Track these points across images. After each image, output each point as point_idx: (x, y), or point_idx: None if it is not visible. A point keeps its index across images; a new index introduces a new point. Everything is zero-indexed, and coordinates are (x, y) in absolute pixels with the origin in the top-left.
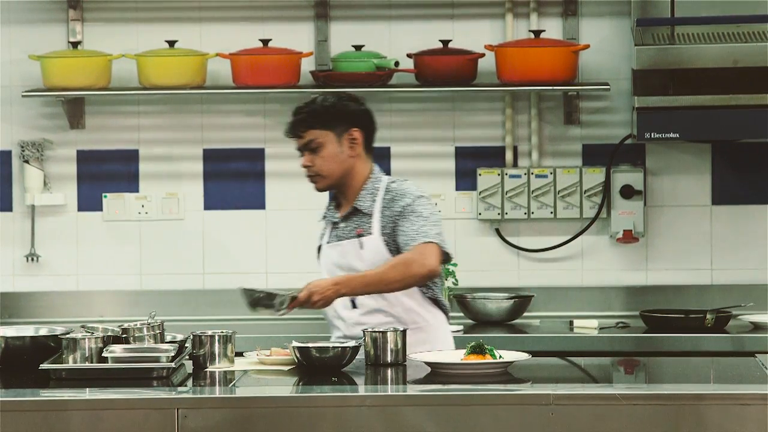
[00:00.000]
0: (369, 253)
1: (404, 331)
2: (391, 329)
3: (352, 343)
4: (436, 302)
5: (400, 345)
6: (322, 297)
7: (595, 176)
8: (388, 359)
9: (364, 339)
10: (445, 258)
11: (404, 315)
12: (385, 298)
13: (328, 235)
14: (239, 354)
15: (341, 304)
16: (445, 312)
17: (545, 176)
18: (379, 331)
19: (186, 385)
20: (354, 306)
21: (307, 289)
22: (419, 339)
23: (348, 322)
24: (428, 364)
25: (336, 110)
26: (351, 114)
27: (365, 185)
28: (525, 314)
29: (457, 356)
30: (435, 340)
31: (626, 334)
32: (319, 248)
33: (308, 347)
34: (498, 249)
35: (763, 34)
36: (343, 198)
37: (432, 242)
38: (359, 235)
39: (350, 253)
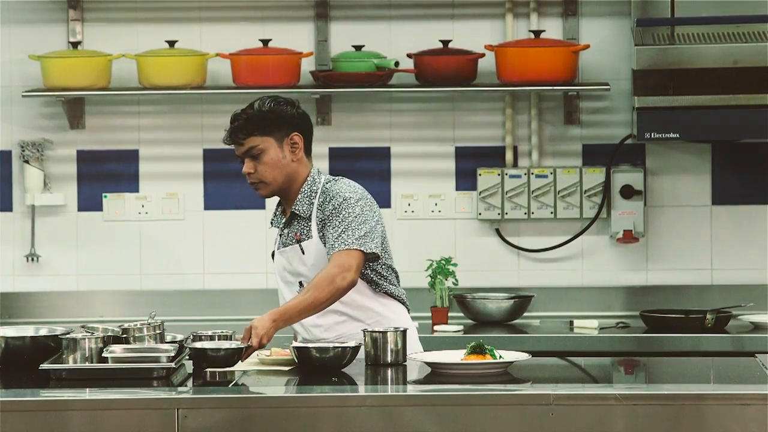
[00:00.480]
0: (311, 257)
1: (404, 331)
2: (392, 329)
3: (352, 343)
4: (391, 295)
5: (400, 345)
6: (266, 335)
7: (595, 176)
8: (388, 359)
9: (364, 339)
10: (372, 257)
11: (358, 312)
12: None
13: (277, 241)
14: None
15: None
16: (403, 303)
17: (545, 176)
18: (379, 331)
19: (186, 385)
20: None
21: (254, 334)
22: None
23: (305, 325)
24: (428, 364)
25: (275, 115)
26: (290, 118)
27: (302, 189)
28: (525, 314)
29: (457, 356)
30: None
31: (626, 334)
32: (273, 254)
33: (308, 347)
34: (498, 249)
35: (763, 34)
36: (286, 203)
37: (351, 249)
38: (298, 241)
39: (294, 258)
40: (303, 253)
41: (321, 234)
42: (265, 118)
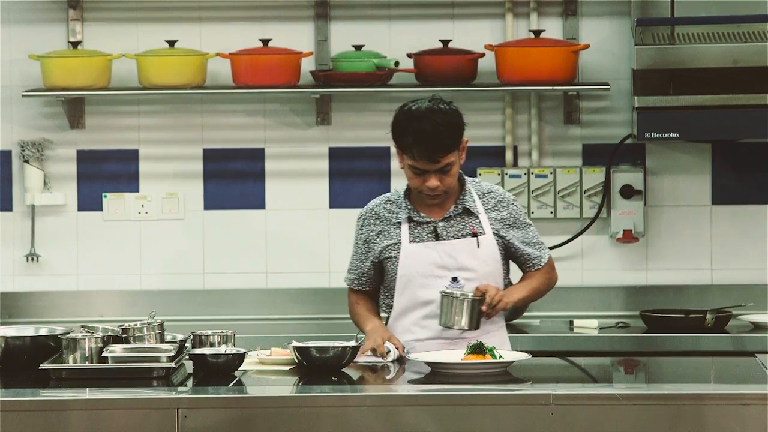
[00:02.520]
0: (484, 252)
1: (481, 300)
2: (470, 295)
3: (352, 343)
4: None
5: (476, 312)
6: (503, 302)
7: (595, 176)
8: (462, 324)
9: (441, 301)
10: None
11: (497, 316)
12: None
13: (410, 234)
14: None
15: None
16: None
17: (545, 176)
18: (457, 297)
19: (186, 385)
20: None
21: (498, 294)
22: (498, 340)
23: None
24: (428, 364)
25: (461, 126)
26: (464, 125)
27: (466, 186)
28: (525, 314)
29: (457, 356)
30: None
31: (626, 334)
32: (383, 249)
33: (308, 347)
34: None
35: (763, 34)
36: (439, 200)
37: (549, 257)
38: (474, 235)
39: (464, 251)
40: (478, 246)
41: (494, 232)
42: (459, 131)
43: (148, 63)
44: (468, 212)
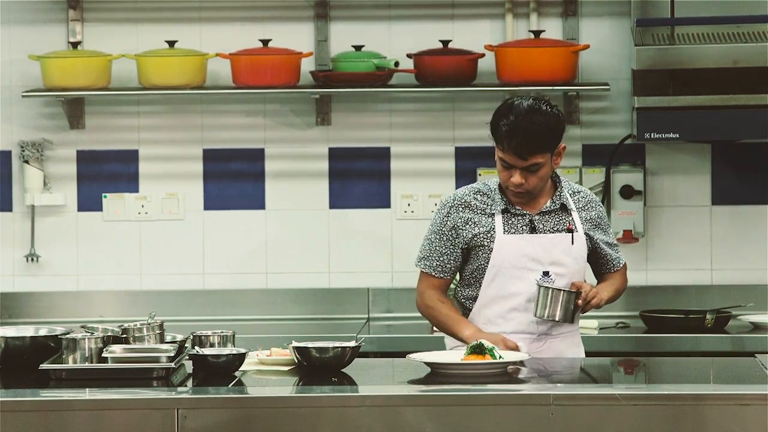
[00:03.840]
0: (577, 248)
1: (578, 293)
2: (566, 289)
3: (352, 344)
4: None
5: (572, 306)
6: (599, 299)
7: (595, 176)
8: (557, 316)
9: (538, 292)
10: None
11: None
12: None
13: (504, 225)
14: None
15: (530, 297)
16: None
17: None
18: (554, 288)
19: (186, 385)
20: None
21: (594, 290)
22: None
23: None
24: (428, 364)
25: (560, 131)
26: (565, 128)
27: (563, 183)
28: None
29: (457, 356)
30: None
31: (626, 334)
32: (474, 237)
33: (308, 347)
34: None
35: (763, 34)
36: (531, 195)
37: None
38: (570, 231)
39: (558, 246)
40: (572, 243)
41: (585, 230)
42: (555, 134)
43: (148, 63)
44: (564, 208)
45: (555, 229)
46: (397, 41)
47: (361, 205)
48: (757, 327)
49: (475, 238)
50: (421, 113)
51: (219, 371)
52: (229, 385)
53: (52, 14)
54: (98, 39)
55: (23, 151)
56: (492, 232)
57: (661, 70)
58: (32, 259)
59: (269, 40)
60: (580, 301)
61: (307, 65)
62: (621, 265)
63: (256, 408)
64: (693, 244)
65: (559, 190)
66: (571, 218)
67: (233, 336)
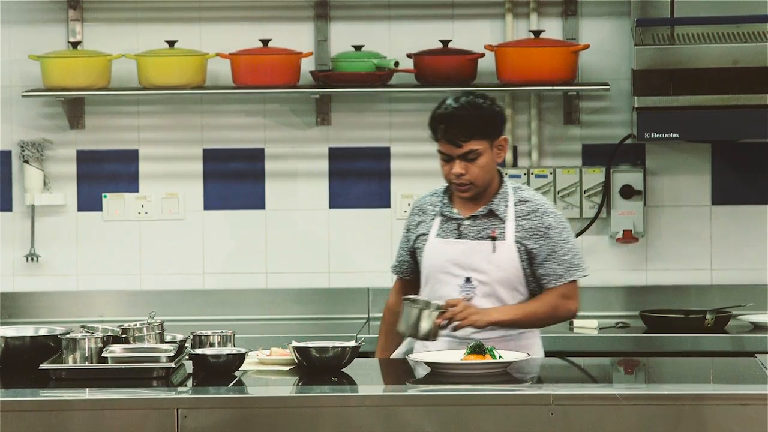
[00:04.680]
0: (500, 257)
1: (441, 311)
2: (434, 306)
3: (351, 343)
4: None
5: (432, 322)
6: (475, 321)
7: (595, 176)
8: (417, 334)
9: (402, 307)
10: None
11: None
12: (501, 301)
13: (439, 228)
14: None
15: None
16: None
17: (545, 176)
18: (416, 305)
19: (186, 385)
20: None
21: (469, 311)
22: (527, 344)
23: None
24: (428, 364)
25: (497, 119)
26: (502, 120)
27: (501, 189)
28: None
29: (457, 356)
30: (534, 345)
31: (626, 334)
32: (416, 239)
33: (308, 347)
34: None
35: (763, 34)
36: (474, 199)
37: (575, 280)
38: (493, 238)
39: (480, 253)
40: (494, 251)
41: (518, 240)
42: (489, 122)
43: (148, 63)
44: (493, 215)
45: (479, 235)
46: (397, 41)
47: (361, 205)
48: (757, 327)
49: (417, 241)
50: (421, 113)
51: (219, 371)
52: (229, 385)
53: (52, 14)
54: (98, 39)
55: (23, 151)
56: (428, 236)
57: (661, 70)
58: (32, 259)
59: (269, 40)
60: (438, 320)
61: (307, 65)
62: (558, 284)
63: (256, 408)
64: (693, 244)
65: (496, 195)
66: (502, 226)
67: (233, 336)
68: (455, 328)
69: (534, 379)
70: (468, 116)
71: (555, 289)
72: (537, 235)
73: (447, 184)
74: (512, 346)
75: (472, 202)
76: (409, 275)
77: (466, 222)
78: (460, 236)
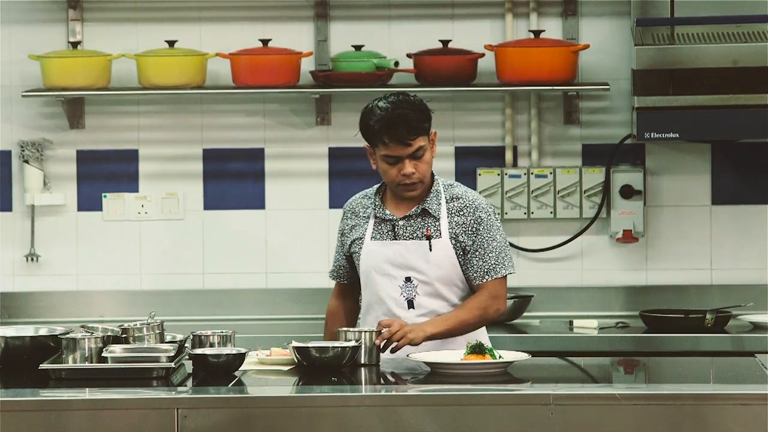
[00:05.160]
0: (437, 255)
1: (379, 332)
2: (367, 329)
3: (351, 344)
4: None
5: (372, 346)
6: (413, 338)
7: (594, 176)
8: (362, 360)
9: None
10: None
11: None
12: (444, 299)
13: (373, 231)
14: None
15: (396, 303)
16: None
17: (545, 176)
18: (356, 331)
19: (186, 385)
20: (411, 307)
21: (404, 329)
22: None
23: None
24: (428, 364)
25: (429, 113)
26: (431, 117)
27: (434, 187)
28: (525, 314)
29: (457, 356)
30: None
31: (626, 334)
32: (352, 243)
33: (308, 347)
34: None
35: (763, 34)
36: (407, 199)
37: (502, 277)
38: (428, 237)
39: (415, 252)
40: (430, 249)
41: (453, 236)
42: (426, 116)
43: (148, 63)
44: (427, 214)
45: (414, 235)
46: (397, 41)
47: None
48: (757, 327)
49: (352, 245)
50: None
51: (219, 371)
52: (229, 385)
53: (52, 14)
54: (98, 39)
55: (23, 150)
56: (363, 239)
57: (661, 70)
58: (32, 259)
59: (269, 40)
60: (377, 341)
61: (307, 65)
62: (484, 280)
63: (256, 408)
64: (693, 244)
65: (428, 194)
66: (437, 223)
67: (233, 336)
68: (393, 350)
69: (534, 379)
70: (408, 114)
71: (484, 289)
72: (470, 230)
73: (377, 186)
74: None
75: (404, 202)
76: (347, 279)
77: (401, 222)
78: (395, 237)
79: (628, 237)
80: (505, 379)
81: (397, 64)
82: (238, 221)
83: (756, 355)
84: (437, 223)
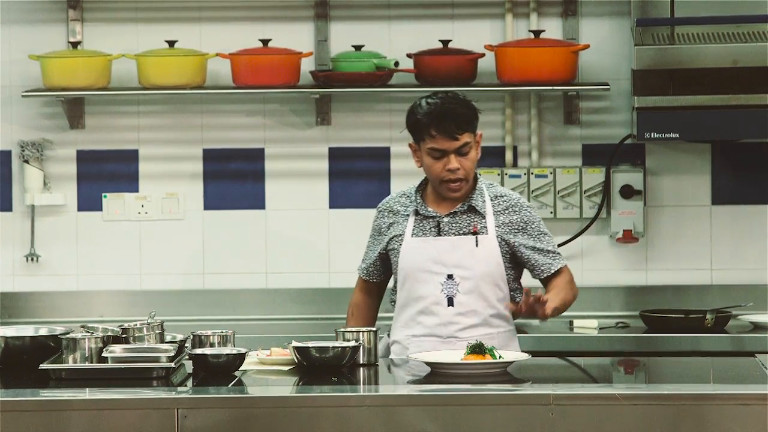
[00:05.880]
0: (483, 251)
1: (375, 332)
2: (366, 329)
3: (352, 344)
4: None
5: (372, 345)
6: (549, 312)
7: (595, 176)
8: (361, 360)
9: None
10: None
11: (495, 318)
12: (484, 298)
13: (414, 227)
14: None
15: (435, 300)
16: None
17: (545, 176)
18: (354, 331)
19: (186, 385)
20: (450, 305)
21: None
22: (499, 342)
23: (442, 320)
24: (428, 364)
25: (477, 113)
26: (478, 117)
27: (478, 185)
28: None
29: (457, 356)
30: (511, 343)
31: (626, 334)
32: (390, 240)
33: (308, 347)
34: None
35: (763, 34)
36: (450, 198)
37: (566, 264)
38: (475, 233)
39: (461, 248)
40: (477, 245)
41: (500, 234)
42: (474, 114)
43: (148, 63)
44: (474, 210)
45: (461, 231)
46: (397, 41)
47: (361, 205)
48: (757, 327)
49: (390, 242)
50: None
51: (219, 371)
52: (229, 385)
53: (52, 14)
54: (98, 39)
55: (23, 150)
56: (403, 236)
57: (661, 70)
58: (32, 259)
59: (269, 40)
60: (524, 302)
61: (307, 65)
62: (552, 271)
63: (256, 408)
64: (693, 244)
65: (473, 192)
66: (483, 221)
67: (233, 336)
68: (540, 315)
69: (534, 379)
70: (457, 109)
71: (561, 274)
72: (515, 229)
73: (417, 185)
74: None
75: (448, 199)
76: (378, 278)
77: (446, 219)
78: (439, 233)
79: (628, 237)
80: (505, 379)
81: (397, 64)
82: (238, 221)
83: (756, 355)
84: (483, 221)
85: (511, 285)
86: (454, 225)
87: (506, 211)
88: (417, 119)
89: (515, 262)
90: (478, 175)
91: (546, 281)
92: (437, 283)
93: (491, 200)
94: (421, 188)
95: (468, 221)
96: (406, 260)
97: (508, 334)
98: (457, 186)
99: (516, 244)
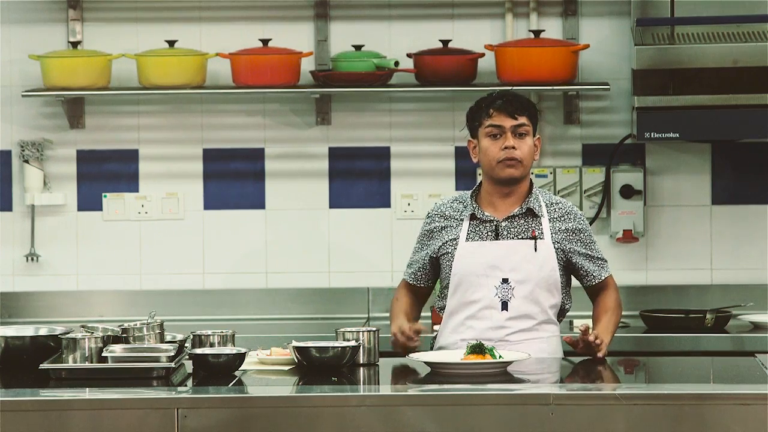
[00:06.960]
0: (541, 256)
1: (376, 332)
2: (366, 329)
3: (352, 343)
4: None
5: (373, 344)
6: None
7: (595, 176)
8: (362, 360)
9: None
10: None
11: (546, 324)
12: (538, 303)
13: (468, 232)
14: None
15: (489, 304)
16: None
17: (545, 176)
18: (354, 331)
19: (186, 385)
20: (504, 309)
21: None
22: (548, 348)
23: (494, 323)
24: (428, 363)
25: (536, 108)
26: (539, 119)
27: (533, 189)
28: None
29: (457, 356)
30: (558, 349)
31: (626, 334)
32: (443, 244)
33: (308, 347)
34: None
35: (763, 34)
36: (500, 198)
37: (611, 273)
38: (534, 237)
39: (519, 253)
40: (535, 250)
41: (554, 240)
42: (534, 108)
43: (148, 63)
44: (532, 214)
45: (519, 235)
46: (397, 41)
47: (361, 205)
48: (757, 327)
49: (443, 247)
50: (421, 113)
51: (219, 371)
52: (229, 385)
53: (52, 14)
54: (98, 39)
55: (23, 150)
56: (457, 240)
57: (661, 69)
58: (32, 259)
59: (269, 40)
60: (582, 340)
61: (307, 65)
62: (601, 279)
63: (256, 408)
64: (693, 244)
65: (530, 195)
66: (540, 226)
67: (233, 336)
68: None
69: (534, 379)
70: (518, 96)
71: (609, 286)
72: (571, 236)
73: (470, 191)
74: (535, 349)
75: (503, 203)
76: (425, 283)
77: (504, 223)
78: (497, 237)
79: (628, 237)
80: (505, 379)
81: (397, 64)
82: (238, 221)
83: (756, 355)
84: (540, 226)
85: (563, 291)
86: (512, 229)
87: (562, 218)
88: (476, 106)
89: (567, 269)
90: (533, 181)
91: (593, 292)
92: (492, 286)
93: (546, 207)
94: (475, 193)
95: (526, 226)
96: (461, 264)
97: (556, 340)
98: (513, 164)
99: (571, 251)
